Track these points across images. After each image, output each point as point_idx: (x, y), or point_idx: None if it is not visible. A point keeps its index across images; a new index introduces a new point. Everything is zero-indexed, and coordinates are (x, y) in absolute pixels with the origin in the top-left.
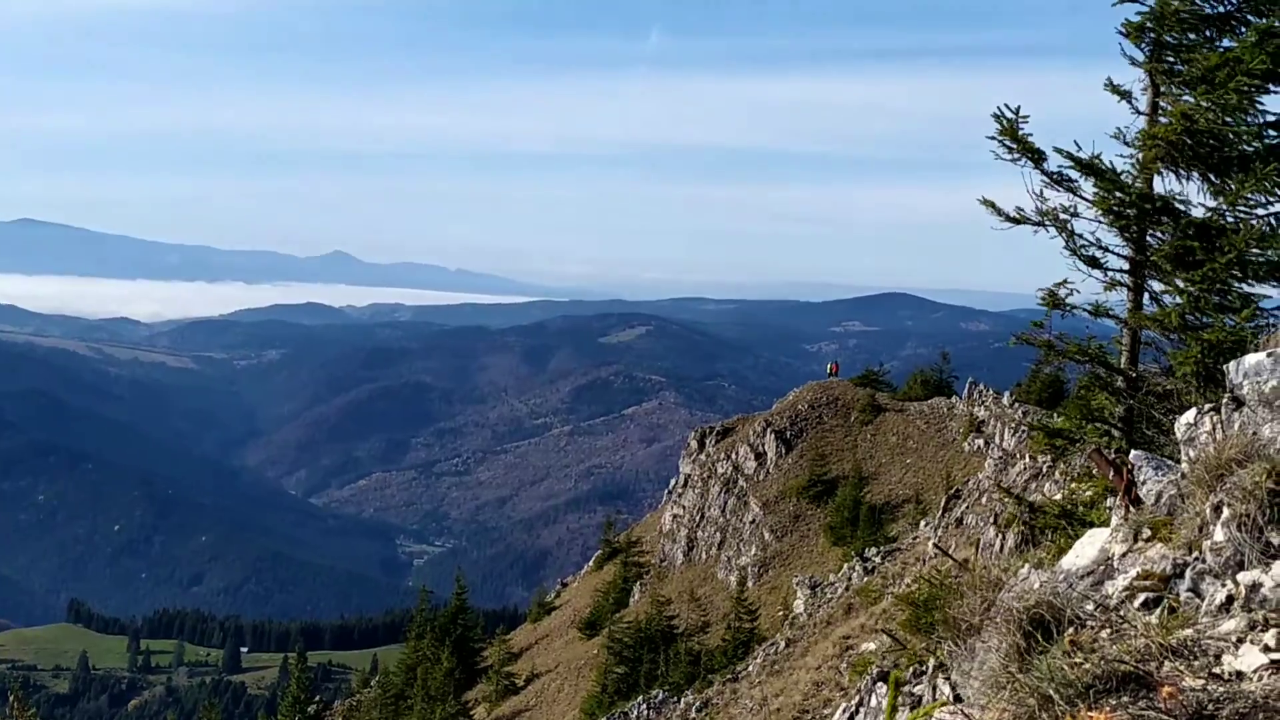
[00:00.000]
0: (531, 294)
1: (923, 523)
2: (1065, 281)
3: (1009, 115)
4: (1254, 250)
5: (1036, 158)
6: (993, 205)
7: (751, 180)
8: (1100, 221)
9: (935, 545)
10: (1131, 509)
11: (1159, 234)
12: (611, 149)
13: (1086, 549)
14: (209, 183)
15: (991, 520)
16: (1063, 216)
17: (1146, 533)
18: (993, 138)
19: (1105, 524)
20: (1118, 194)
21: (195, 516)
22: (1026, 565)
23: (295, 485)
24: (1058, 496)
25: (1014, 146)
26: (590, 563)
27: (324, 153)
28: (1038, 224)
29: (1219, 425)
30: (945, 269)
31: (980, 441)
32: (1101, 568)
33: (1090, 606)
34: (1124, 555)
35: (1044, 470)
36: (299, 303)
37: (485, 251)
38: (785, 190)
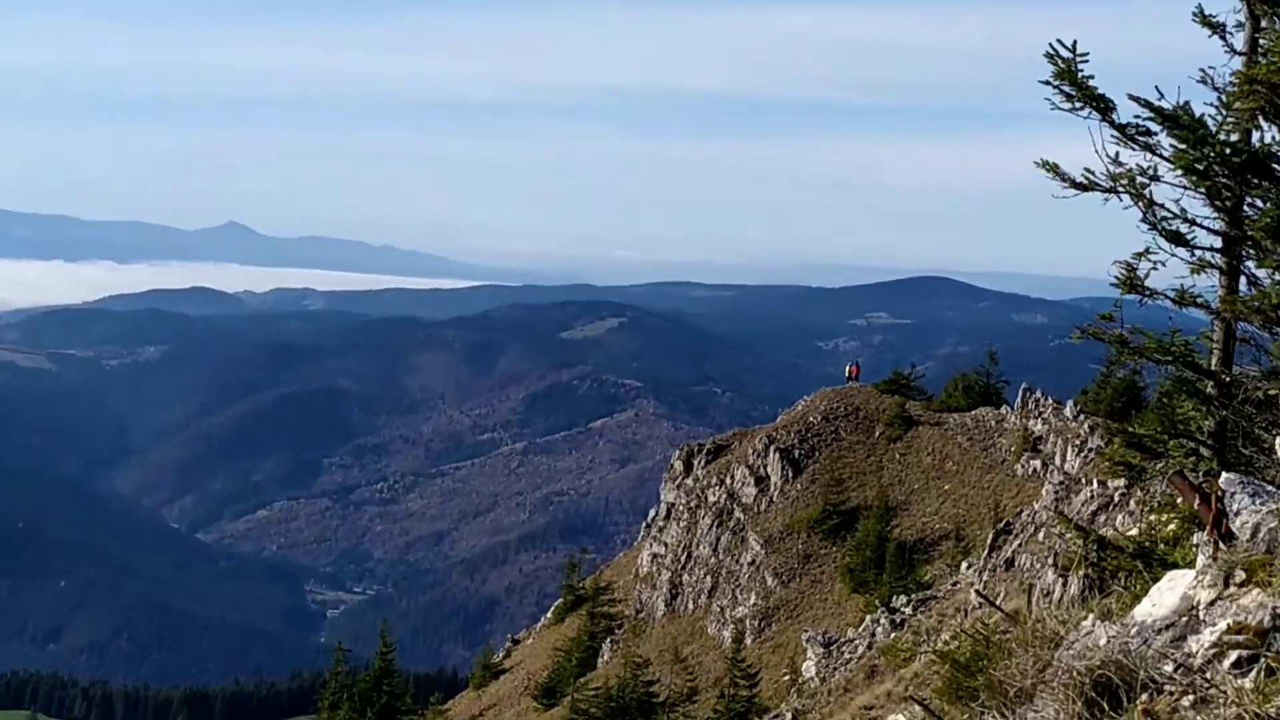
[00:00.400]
0: (475, 277)
1: (965, 564)
2: (1148, 252)
3: (1065, 54)
4: None
5: (1102, 107)
6: (1054, 168)
7: (751, 136)
8: (1185, 186)
9: (978, 592)
10: (1222, 546)
11: (1258, 201)
12: (577, 97)
13: (1165, 596)
14: (67, 136)
15: (1050, 561)
16: (1139, 180)
17: (1240, 575)
18: (1046, 82)
19: (1190, 565)
20: (1204, 150)
21: (53, 556)
22: (1090, 616)
23: (178, 516)
24: (1133, 531)
25: (1073, 94)
26: (548, 614)
27: (214, 99)
28: (1108, 190)
29: None
30: (993, 247)
31: (1036, 463)
32: (1184, 619)
33: (1169, 667)
34: (1212, 603)
35: (1116, 499)
36: (183, 287)
37: (417, 223)
38: (794, 148)
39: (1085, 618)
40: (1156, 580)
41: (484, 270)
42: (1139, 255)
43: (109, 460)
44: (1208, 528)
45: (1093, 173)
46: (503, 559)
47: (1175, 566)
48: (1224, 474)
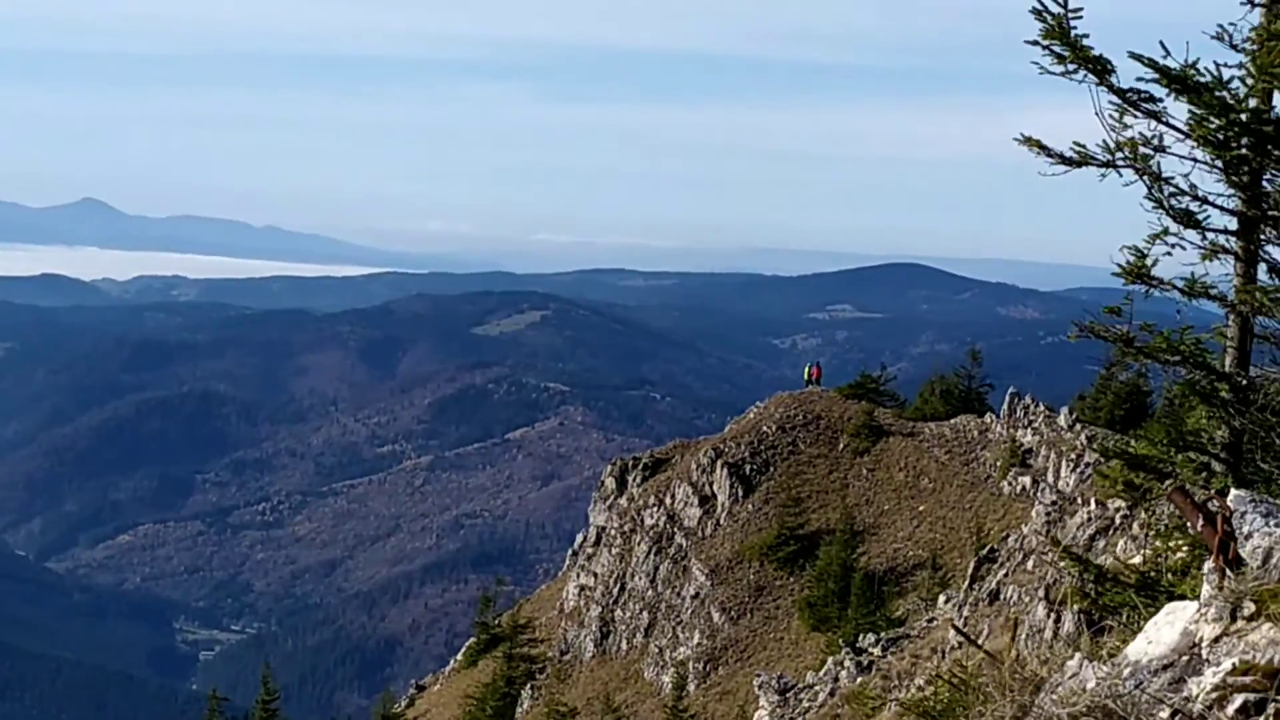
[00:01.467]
0: (374, 263)
1: (942, 597)
2: (1166, 233)
3: (1054, 9)
4: None
5: (1099, 69)
6: (1038, 144)
7: (695, 100)
8: (1195, 159)
9: (956, 629)
10: (1229, 574)
11: None
12: (492, 52)
13: (1163, 632)
14: None
15: (1040, 594)
16: (1143, 151)
17: (1249, 608)
18: (1034, 42)
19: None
20: (1229, 117)
21: None
22: (1077, 656)
23: (25, 542)
24: (1136, 559)
25: (1065, 55)
26: (459, 656)
27: (65, 53)
28: (1105, 164)
29: None
30: (976, 230)
31: (1025, 480)
32: (1184, 658)
33: (1165, 713)
34: (1216, 640)
35: (1117, 521)
36: (30, 274)
37: (307, 200)
38: (744, 114)
39: (1071, 657)
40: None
41: (384, 255)
42: (1153, 239)
43: None
44: (1213, 553)
45: (1084, 146)
46: (405, 592)
47: (1183, 599)
48: (1233, 491)
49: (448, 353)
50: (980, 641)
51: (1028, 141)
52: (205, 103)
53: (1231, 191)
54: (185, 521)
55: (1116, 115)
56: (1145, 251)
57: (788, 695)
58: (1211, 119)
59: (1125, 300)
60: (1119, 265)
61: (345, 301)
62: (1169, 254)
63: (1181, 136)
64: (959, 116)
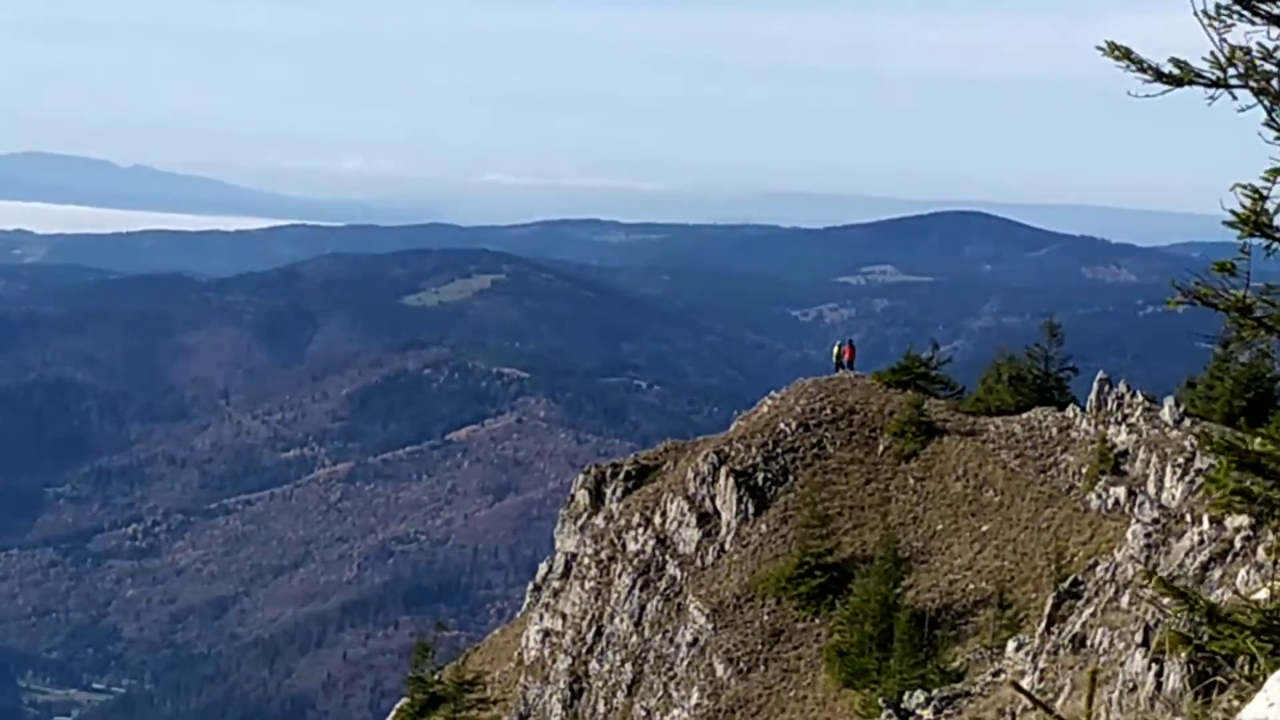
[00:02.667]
0: (276, 213)
1: (1012, 644)
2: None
3: None
4: None
5: None
6: (1125, 53)
7: None
8: None
9: (1017, 686)
10: None
11: None
12: None
13: None
14: None
15: (1138, 638)
16: (1264, 67)
17: None
18: None
19: None
20: None
21: None
22: None
23: None
24: (1261, 594)
25: None
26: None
27: None
28: (1212, 84)
29: None
30: (1055, 169)
31: (1119, 491)
32: None
33: None
34: None
35: (1237, 545)
36: None
37: (187, 131)
38: (753, 17)
39: None
40: None
41: (287, 203)
42: (1274, 173)
43: None
44: None
45: (1185, 62)
46: (318, 639)
47: None
48: None
49: (371, 330)
50: (1058, 702)
51: (1112, 50)
52: (52, 3)
53: None
54: (33, 549)
55: (1232, 18)
56: (1263, 191)
57: None
58: None
59: (1242, 252)
60: (1231, 212)
61: (238, 263)
62: None
63: None
64: (1031, 21)
